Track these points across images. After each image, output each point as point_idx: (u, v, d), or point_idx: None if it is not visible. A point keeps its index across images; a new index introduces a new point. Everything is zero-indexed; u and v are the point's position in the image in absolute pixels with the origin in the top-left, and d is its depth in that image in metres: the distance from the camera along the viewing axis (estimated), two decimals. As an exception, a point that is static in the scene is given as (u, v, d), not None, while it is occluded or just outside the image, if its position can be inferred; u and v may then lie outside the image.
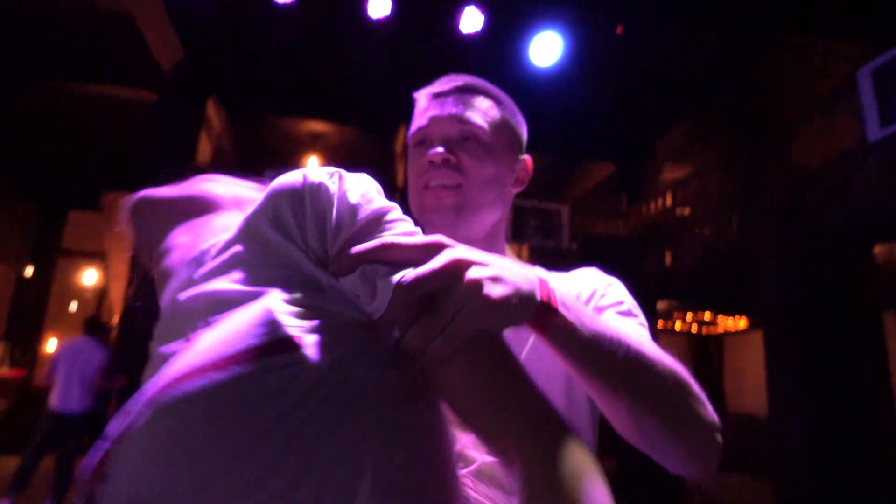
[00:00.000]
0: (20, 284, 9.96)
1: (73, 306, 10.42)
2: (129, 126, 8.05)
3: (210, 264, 0.55)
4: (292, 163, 9.92)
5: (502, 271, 0.53)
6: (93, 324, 6.13)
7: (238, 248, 0.55)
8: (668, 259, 7.67)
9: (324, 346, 0.48)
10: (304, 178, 0.56)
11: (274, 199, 0.55)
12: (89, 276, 10.44)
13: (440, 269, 0.49)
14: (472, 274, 0.50)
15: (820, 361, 4.79)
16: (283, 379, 0.46)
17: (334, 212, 0.54)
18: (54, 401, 5.42)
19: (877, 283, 5.05)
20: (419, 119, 0.87)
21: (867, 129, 4.60)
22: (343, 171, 0.58)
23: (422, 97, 0.89)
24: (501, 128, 0.87)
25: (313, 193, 0.55)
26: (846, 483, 4.56)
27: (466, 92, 0.86)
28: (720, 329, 10.69)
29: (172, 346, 0.52)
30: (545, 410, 0.53)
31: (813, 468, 4.67)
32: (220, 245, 0.57)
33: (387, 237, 0.53)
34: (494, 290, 0.50)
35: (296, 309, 0.49)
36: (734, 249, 6.17)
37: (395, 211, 0.57)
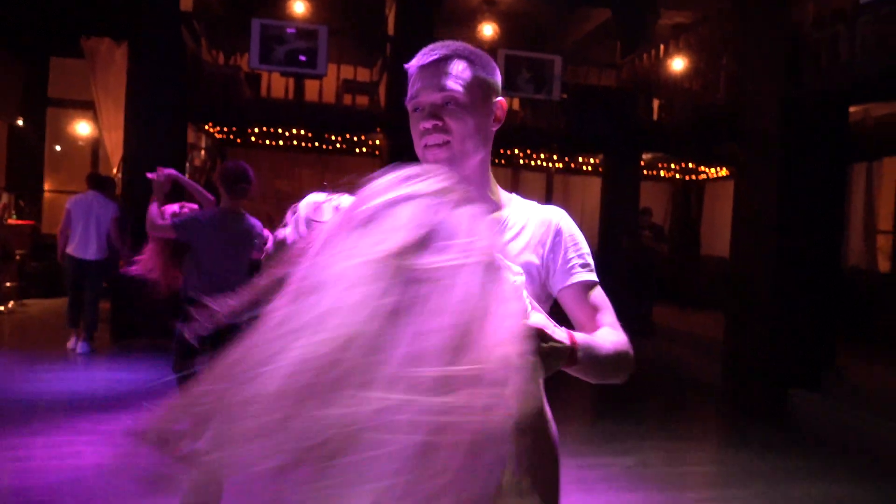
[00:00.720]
0: (13, 136, 9.97)
1: (62, 154, 10.53)
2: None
3: None
4: (278, 9, 9.51)
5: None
6: (97, 179, 6.33)
7: None
8: (656, 112, 7.80)
9: None
10: None
11: None
12: (81, 127, 10.43)
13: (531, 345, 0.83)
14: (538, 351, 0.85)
15: (784, 207, 5.20)
16: None
17: None
18: (73, 250, 5.82)
19: (847, 140, 5.31)
20: (412, 89, 1.11)
21: (861, -14, 4.60)
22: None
23: (413, 69, 1.11)
24: (475, 85, 1.09)
25: None
26: (791, 320, 5.20)
27: (443, 61, 1.08)
28: (702, 176, 11.07)
29: None
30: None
31: (762, 304, 5.27)
32: None
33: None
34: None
35: None
36: (722, 104, 6.32)
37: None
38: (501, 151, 10.01)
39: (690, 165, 10.48)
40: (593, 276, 1.13)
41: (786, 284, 5.18)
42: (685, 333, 7.29)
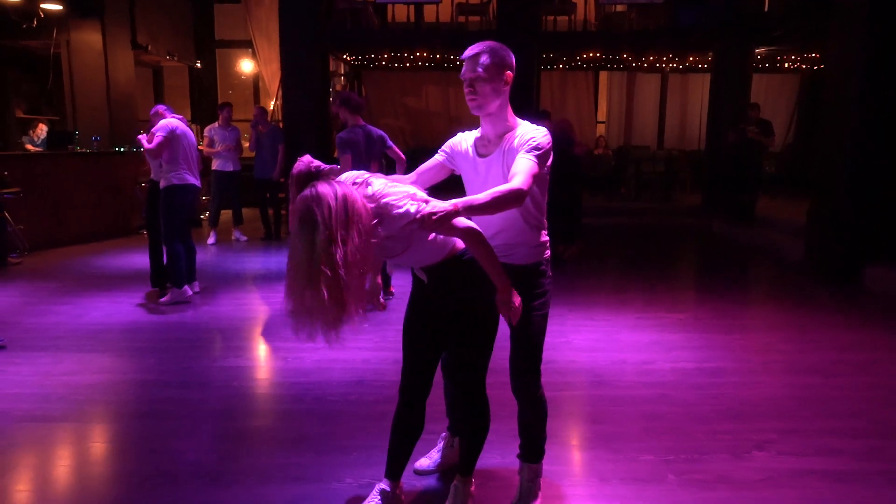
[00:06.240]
0: (193, 77, 11.98)
1: (230, 88, 12.42)
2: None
3: None
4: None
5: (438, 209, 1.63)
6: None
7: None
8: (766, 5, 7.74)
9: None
10: None
11: None
12: (244, 64, 12.22)
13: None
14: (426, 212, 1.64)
15: (867, 80, 5.36)
16: None
17: None
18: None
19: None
20: (463, 69, 1.93)
21: None
22: None
23: (464, 57, 1.92)
24: (492, 67, 1.89)
25: None
26: (871, 194, 5.49)
27: (477, 55, 1.89)
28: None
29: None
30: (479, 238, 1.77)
31: (841, 179, 5.58)
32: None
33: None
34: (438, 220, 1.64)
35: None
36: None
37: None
38: (612, 56, 10.31)
39: (815, 55, 10.06)
40: (525, 153, 1.86)
41: (865, 159, 5.46)
42: (786, 221, 7.59)
